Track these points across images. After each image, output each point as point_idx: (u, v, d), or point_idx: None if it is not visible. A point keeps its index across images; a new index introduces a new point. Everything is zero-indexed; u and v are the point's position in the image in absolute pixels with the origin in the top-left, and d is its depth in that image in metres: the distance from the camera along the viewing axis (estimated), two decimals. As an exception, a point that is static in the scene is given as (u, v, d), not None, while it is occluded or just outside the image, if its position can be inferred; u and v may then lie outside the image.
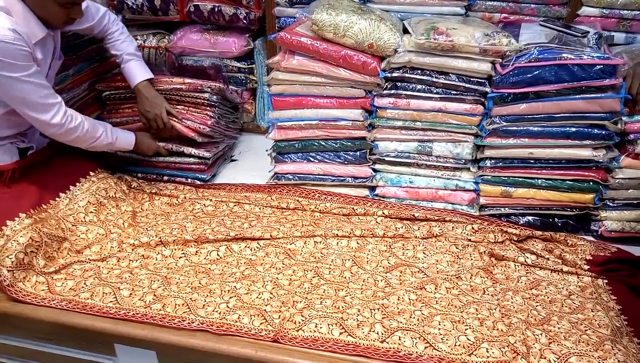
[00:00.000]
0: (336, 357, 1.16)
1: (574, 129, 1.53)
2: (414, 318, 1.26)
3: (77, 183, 1.62)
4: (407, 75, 1.59)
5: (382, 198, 1.77)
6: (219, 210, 1.71)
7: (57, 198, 1.55)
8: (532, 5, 1.74)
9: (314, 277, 1.40)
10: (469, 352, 1.16)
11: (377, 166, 1.77)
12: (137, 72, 1.74)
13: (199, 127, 1.81)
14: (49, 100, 1.41)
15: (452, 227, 1.61)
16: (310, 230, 1.57)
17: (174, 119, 1.79)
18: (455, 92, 1.59)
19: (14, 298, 1.30)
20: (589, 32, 1.59)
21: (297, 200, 1.73)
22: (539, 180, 1.62)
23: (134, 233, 1.56)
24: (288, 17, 1.91)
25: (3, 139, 1.50)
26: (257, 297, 1.32)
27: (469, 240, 1.56)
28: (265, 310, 1.27)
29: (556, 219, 1.65)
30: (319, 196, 1.77)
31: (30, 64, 1.35)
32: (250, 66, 2.09)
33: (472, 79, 1.56)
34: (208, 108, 1.85)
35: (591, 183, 1.59)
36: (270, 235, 1.54)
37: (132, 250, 1.49)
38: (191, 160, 1.86)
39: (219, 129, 1.92)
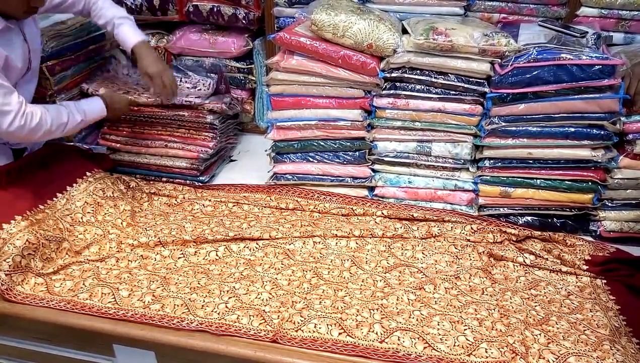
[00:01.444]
0: (335, 357, 1.16)
1: (572, 129, 1.53)
2: (413, 318, 1.26)
3: (74, 184, 1.61)
4: (406, 75, 1.59)
5: (381, 199, 1.77)
6: (218, 210, 1.71)
7: (54, 199, 1.55)
8: (531, 5, 1.74)
9: (313, 277, 1.40)
10: (468, 352, 1.16)
11: (376, 166, 1.77)
12: (133, 34, 1.66)
13: (201, 152, 1.82)
14: (4, 101, 1.31)
15: (451, 227, 1.61)
16: (309, 231, 1.56)
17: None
18: (454, 92, 1.59)
19: (13, 301, 1.29)
20: (587, 32, 1.59)
21: (296, 201, 1.73)
22: (538, 181, 1.62)
23: (132, 233, 1.56)
24: (287, 17, 1.91)
25: None
26: (256, 298, 1.32)
27: (468, 240, 1.56)
28: (264, 310, 1.27)
29: (555, 219, 1.65)
30: (318, 196, 1.77)
31: None
32: (249, 66, 2.09)
33: (471, 79, 1.56)
34: (209, 130, 1.85)
35: (590, 183, 1.59)
36: (269, 236, 1.54)
37: (131, 250, 1.49)
38: (184, 164, 1.85)
39: (220, 145, 1.93)
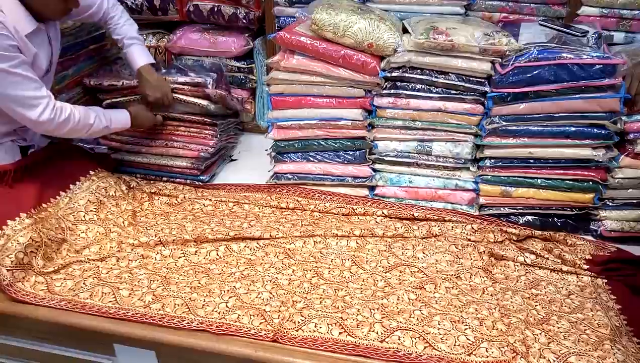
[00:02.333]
0: (336, 356, 1.16)
1: (573, 129, 1.53)
2: (413, 318, 1.26)
3: (77, 182, 1.62)
4: (406, 74, 1.59)
5: (381, 198, 1.77)
6: (219, 210, 1.71)
7: (57, 197, 1.56)
8: (531, 4, 1.74)
9: (313, 277, 1.39)
10: (469, 351, 1.16)
11: (376, 166, 1.77)
12: (139, 56, 1.73)
13: (201, 151, 1.83)
14: (36, 94, 1.37)
15: (452, 227, 1.61)
16: (309, 230, 1.56)
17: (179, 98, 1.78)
18: (454, 92, 1.59)
19: (13, 298, 1.30)
20: (588, 31, 1.59)
21: (297, 200, 1.73)
22: (539, 180, 1.62)
23: (133, 232, 1.56)
24: (287, 17, 1.91)
25: (3, 136, 1.49)
26: (256, 297, 1.32)
27: (469, 239, 1.56)
28: (264, 310, 1.27)
29: (556, 219, 1.65)
30: (318, 196, 1.77)
31: (16, 54, 1.32)
32: (249, 66, 2.09)
33: (471, 79, 1.56)
34: (209, 127, 1.84)
35: (591, 182, 1.59)
36: (270, 235, 1.54)
37: (132, 250, 1.49)
38: (184, 163, 1.85)
39: (221, 144, 1.92)
